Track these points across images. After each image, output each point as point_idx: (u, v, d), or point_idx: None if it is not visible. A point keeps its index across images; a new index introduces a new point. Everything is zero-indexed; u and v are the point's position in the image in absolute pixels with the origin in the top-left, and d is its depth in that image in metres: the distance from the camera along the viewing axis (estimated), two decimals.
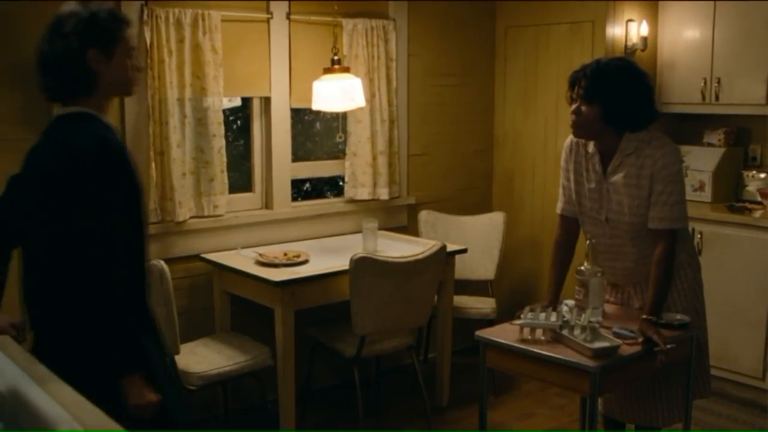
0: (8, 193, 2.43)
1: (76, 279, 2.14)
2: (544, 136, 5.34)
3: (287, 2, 4.52)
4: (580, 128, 3.03)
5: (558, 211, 3.33)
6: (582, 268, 2.99)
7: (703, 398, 3.39)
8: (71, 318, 2.19)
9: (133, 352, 2.22)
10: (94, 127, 2.22)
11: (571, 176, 3.20)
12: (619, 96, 2.95)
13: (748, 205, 4.91)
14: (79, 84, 2.24)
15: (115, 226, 2.18)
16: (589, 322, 2.78)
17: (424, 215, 5.05)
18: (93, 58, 2.22)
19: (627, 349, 2.76)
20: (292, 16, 4.54)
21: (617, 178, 3.03)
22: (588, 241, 3.07)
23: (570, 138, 3.21)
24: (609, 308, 3.19)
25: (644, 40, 5.06)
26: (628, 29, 5.03)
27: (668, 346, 2.77)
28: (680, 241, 3.08)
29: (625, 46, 5.03)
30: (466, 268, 4.86)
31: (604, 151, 3.07)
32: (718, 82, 4.96)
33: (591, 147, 3.11)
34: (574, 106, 3.02)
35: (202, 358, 3.78)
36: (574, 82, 3.04)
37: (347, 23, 4.62)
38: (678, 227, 3.02)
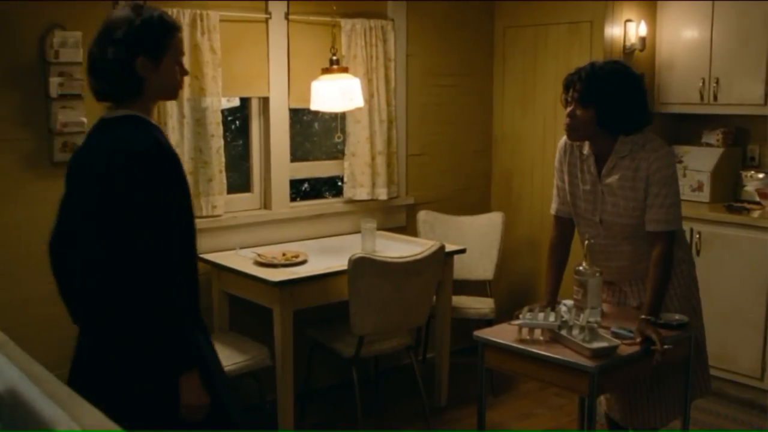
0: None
1: (132, 279, 2.17)
2: (542, 136, 5.34)
3: (286, 2, 4.52)
4: (574, 131, 3.04)
5: (552, 212, 3.33)
6: (580, 268, 3.00)
7: (703, 397, 3.39)
8: (124, 318, 2.22)
9: (188, 350, 2.25)
10: (146, 131, 2.25)
11: (566, 177, 3.21)
12: (614, 100, 2.96)
13: (746, 205, 4.91)
14: (128, 89, 2.28)
15: (169, 227, 2.20)
16: (588, 322, 2.78)
17: (422, 215, 5.05)
18: (142, 65, 2.26)
19: (625, 349, 2.76)
20: (290, 17, 4.54)
21: (612, 180, 3.04)
22: (586, 242, 3.07)
23: (564, 139, 3.22)
24: (607, 308, 3.20)
25: (642, 40, 5.06)
26: (627, 29, 5.03)
27: (666, 346, 2.77)
28: (676, 240, 3.09)
29: (624, 46, 5.03)
30: (465, 268, 4.86)
31: (598, 153, 3.08)
32: (717, 83, 4.96)
33: (586, 149, 3.12)
34: (569, 110, 3.03)
35: None
36: (568, 84, 3.05)
37: (346, 23, 4.63)
38: (674, 229, 3.04)
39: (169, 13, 3.95)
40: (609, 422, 3.44)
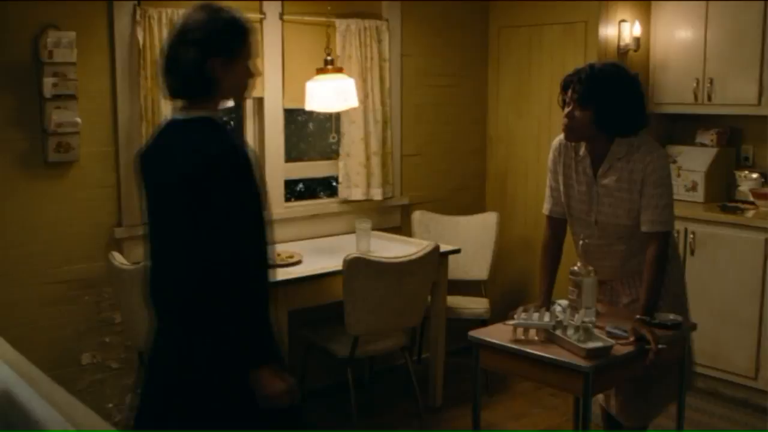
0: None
1: (212, 277, 2.21)
2: (537, 136, 5.34)
3: (280, 3, 4.52)
4: (572, 132, 3.05)
5: (545, 212, 3.34)
6: (575, 268, 3.00)
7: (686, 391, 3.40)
8: (205, 314, 2.26)
9: (265, 344, 2.31)
10: (225, 134, 2.32)
11: (560, 178, 3.22)
12: (613, 101, 2.97)
13: (740, 205, 4.92)
14: (201, 88, 2.31)
15: (248, 227, 2.26)
16: (583, 322, 2.78)
17: (417, 215, 5.05)
18: (214, 66, 2.28)
19: (620, 349, 2.76)
20: (285, 17, 4.53)
21: (608, 181, 3.05)
22: (581, 242, 3.08)
23: (558, 139, 3.23)
24: (602, 307, 3.20)
25: (637, 40, 5.07)
26: (621, 30, 5.03)
27: (660, 345, 2.78)
28: (670, 238, 3.12)
29: (618, 46, 5.04)
30: (460, 268, 4.86)
31: (594, 154, 3.09)
32: (711, 83, 4.97)
33: (582, 149, 3.13)
34: (567, 110, 3.03)
35: None
36: (567, 85, 3.06)
37: (340, 24, 4.62)
38: (669, 229, 3.06)
39: (164, 13, 3.97)
40: (605, 417, 3.45)
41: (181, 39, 2.30)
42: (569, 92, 3.03)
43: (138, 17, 3.93)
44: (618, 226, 3.09)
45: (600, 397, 3.39)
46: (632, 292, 3.20)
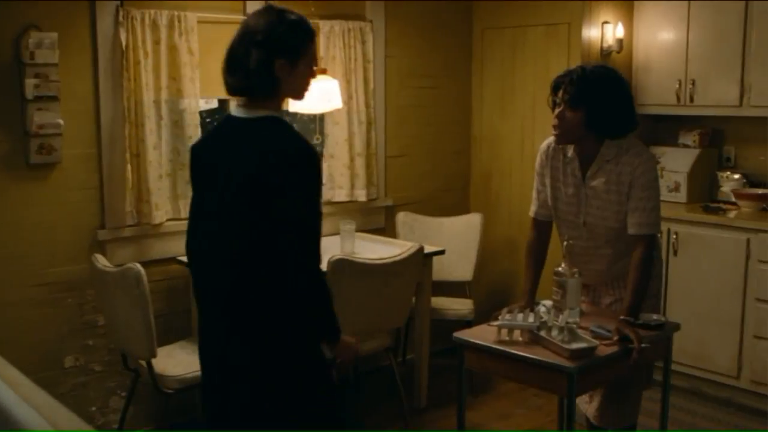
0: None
1: (291, 268, 2.31)
2: (521, 137, 5.36)
3: (263, 4, 4.50)
4: (562, 134, 3.05)
5: (531, 214, 3.35)
6: (559, 269, 3.01)
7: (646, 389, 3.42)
8: (277, 303, 2.35)
9: (336, 321, 2.47)
10: (293, 133, 2.39)
11: (548, 181, 3.22)
12: (604, 103, 2.97)
13: (722, 205, 4.95)
14: (265, 88, 2.37)
15: (318, 219, 2.37)
16: (567, 322, 2.79)
17: (401, 217, 5.06)
18: (279, 67, 2.35)
19: (604, 350, 2.77)
20: None
21: (597, 183, 3.06)
22: (565, 242, 3.08)
23: (546, 143, 3.23)
24: (586, 308, 3.21)
25: (620, 42, 5.09)
26: (604, 31, 5.06)
27: (643, 345, 2.79)
28: (656, 241, 3.13)
29: (601, 48, 5.06)
30: (444, 269, 4.86)
31: (583, 156, 3.09)
32: (693, 84, 5.00)
33: (570, 152, 3.13)
34: (557, 111, 3.03)
35: (180, 361, 3.76)
36: (557, 86, 3.05)
37: (324, 25, 4.62)
38: (656, 232, 3.08)
39: (147, 14, 3.96)
40: (588, 423, 3.46)
41: (248, 40, 2.35)
42: (560, 93, 3.03)
43: (121, 18, 3.91)
44: (606, 228, 3.10)
45: (581, 406, 3.40)
46: (615, 292, 3.23)
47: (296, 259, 2.31)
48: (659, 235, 3.27)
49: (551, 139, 3.17)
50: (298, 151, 2.32)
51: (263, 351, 2.38)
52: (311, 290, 2.36)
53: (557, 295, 3.01)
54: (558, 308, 2.97)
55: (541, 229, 3.32)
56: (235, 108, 2.45)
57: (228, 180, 2.36)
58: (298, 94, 2.48)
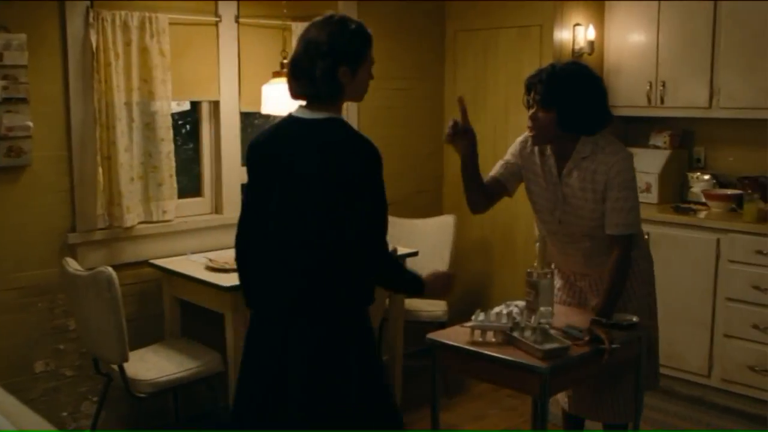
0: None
1: (368, 257, 2.55)
2: (493, 139, 5.37)
3: (236, 5, 4.49)
4: (538, 134, 3.05)
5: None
6: (531, 270, 3.02)
7: (650, 390, 3.44)
8: (351, 291, 2.56)
9: (415, 281, 2.74)
10: (357, 131, 2.56)
11: (522, 172, 3.22)
12: (575, 102, 2.98)
13: (693, 206, 5.00)
14: (329, 94, 2.52)
15: (386, 210, 2.58)
16: (539, 323, 2.80)
17: None
18: (342, 74, 2.49)
19: (577, 350, 2.78)
20: (240, 19, 4.51)
21: (572, 181, 3.06)
22: (537, 243, 3.09)
23: (525, 135, 3.22)
24: (561, 309, 3.23)
25: (591, 44, 5.13)
26: (576, 33, 5.09)
27: (614, 345, 2.80)
28: (634, 241, 3.13)
29: (573, 50, 5.10)
30: (417, 270, 4.83)
31: (559, 153, 3.09)
32: (663, 86, 5.05)
33: (547, 149, 3.13)
34: (531, 112, 3.03)
35: (152, 365, 3.74)
36: (530, 86, 3.05)
37: (296, 27, 4.60)
38: (634, 231, 3.08)
39: (118, 15, 3.93)
40: (565, 419, 3.48)
41: (313, 51, 2.47)
42: (532, 93, 3.03)
43: (91, 19, 3.88)
44: (582, 226, 3.10)
45: (560, 399, 3.41)
46: (600, 293, 3.21)
47: (372, 247, 2.52)
48: (646, 236, 3.28)
49: (527, 133, 3.17)
50: (367, 147, 2.48)
51: (334, 338, 2.52)
52: (388, 271, 2.63)
53: (530, 296, 3.03)
54: (530, 309, 2.99)
55: (491, 186, 3.29)
56: (297, 109, 2.58)
57: (296, 175, 2.48)
58: (359, 97, 2.62)
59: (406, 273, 2.74)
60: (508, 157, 3.30)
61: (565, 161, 3.07)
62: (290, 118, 2.59)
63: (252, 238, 2.63)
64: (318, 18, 2.55)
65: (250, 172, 2.64)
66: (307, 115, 2.54)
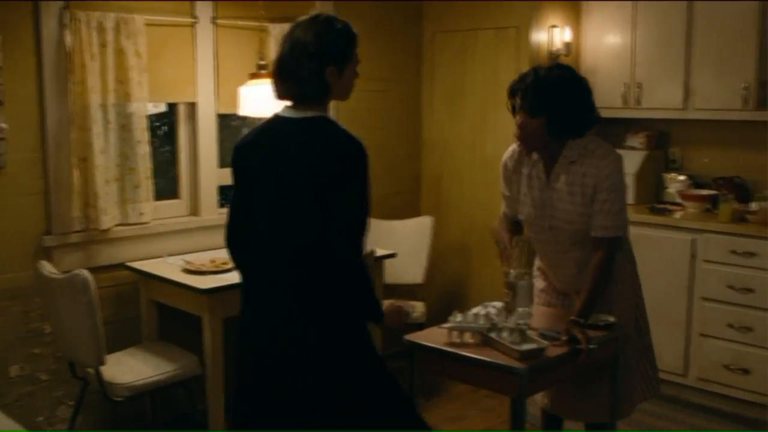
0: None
1: (342, 258, 2.46)
2: (471, 140, 5.39)
3: (212, 6, 4.47)
4: (527, 142, 3.04)
5: (501, 212, 3.35)
6: (510, 271, 3.03)
7: (651, 398, 3.45)
8: (330, 290, 2.49)
9: (378, 305, 2.62)
10: (345, 129, 2.52)
11: (513, 186, 3.22)
12: (564, 107, 2.97)
13: (668, 206, 5.04)
14: (316, 93, 2.51)
15: (368, 210, 2.52)
16: (518, 324, 2.81)
17: None
18: (330, 73, 2.49)
19: (554, 351, 2.79)
20: (217, 21, 4.49)
21: (560, 185, 3.05)
22: (515, 239, 3.10)
23: (510, 149, 3.22)
24: (539, 310, 3.24)
25: (567, 45, 5.15)
26: (552, 35, 5.11)
27: (591, 346, 2.82)
28: (619, 244, 3.13)
29: (549, 51, 5.12)
30: (395, 272, 4.87)
31: (547, 158, 3.08)
32: (639, 87, 5.08)
33: (534, 154, 3.12)
34: (519, 120, 3.01)
35: (129, 369, 3.71)
36: (513, 92, 3.04)
37: (274, 28, 4.60)
38: (620, 234, 3.08)
39: (93, 16, 3.90)
40: (545, 419, 3.48)
41: (300, 51, 2.46)
42: (517, 98, 3.02)
43: (66, 20, 3.85)
44: (572, 232, 3.08)
45: (539, 399, 3.42)
46: None
47: (347, 248, 2.45)
48: (630, 244, 3.31)
49: (515, 144, 3.17)
50: (354, 146, 2.47)
51: (331, 336, 2.50)
52: (358, 279, 2.50)
53: (507, 297, 3.03)
54: (508, 310, 3.00)
55: (512, 221, 3.31)
56: (283, 109, 2.56)
57: (283, 175, 2.46)
58: (345, 96, 2.61)
59: (370, 288, 2.59)
60: (502, 189, 3.31)
61: (553, 165, 3.07)
62: (277, 118, 2.57)
63: (242, 241, 2.61)
64: (303, 18, 2.54)
65: (236, 174, 2.62)
66: (295, 114, 2.52)
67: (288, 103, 2.55)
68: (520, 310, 2.96)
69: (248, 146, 2.60)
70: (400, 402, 2.66)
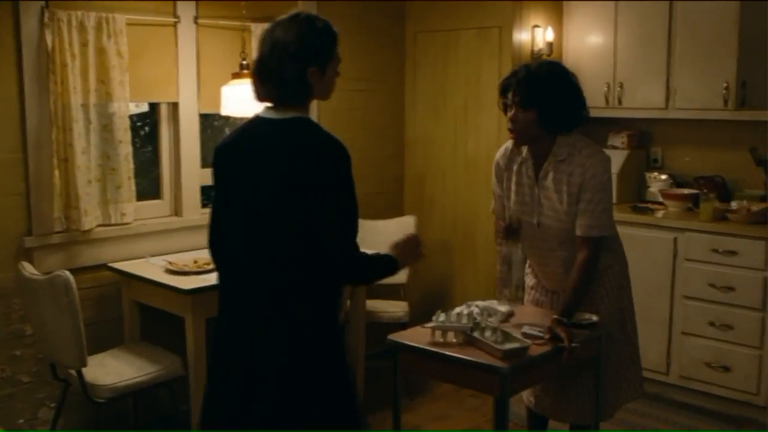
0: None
1: (339, 256, 2.46)
2: (454, 140, 5.40)
3: (194, 5, 4.45)
4: (520, 135, 3.05)
5: (491, 210, 3.36)
6: (502, 245, 3.05)
7: (635, 399, 3.46)
8: (320, 293, 2.49)
9: (390, 266, 2.68)
10: (325, 131, 2.52)
11: (505, 183, 3.23)
12: (555, 100, 3.00)
13: (650, 205, 5.06)
14: (298, 95, 2.48)
15: (356, 209, 2.51)
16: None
17: None
18: (312, 74, 2.45)
19: (536, 350, 2.80)
20: (199, 20, 4.48)
21: (548, 183, 3.07)
22: (504, 222, 3.13)
23: (502, 149, 3.24)
24: (524, 308, 3.24)
25: (550, 45, 5.17)
26: (534, 35, 5.13)
27: (573, 344, 2.83)
28: (607, 243, 3.15)
29: (532, 51, 5.13)
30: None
31: (536, 155, 3.10)
32: (621, 87, 5.10)
33: (524, 151, 3.14)
34: (511, 113, 3.03)
35: (111, 370, 3.69)
36: (505, 89, 3.06)
37: (256, 28, 4.58)
38: (605, 234, 3.09)
39: (74, 15, 3.88)
40: (530, 418, 3.49)
41: (280, 51, 2.41)
42: (509, 95, 3.03)
43: (46, 19, 3.83)
44: (558, 230, 3.10)
45: (525, 398, 3.43)
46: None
47: (343, 249, 2.45)
48: (621, 246, 3.32)
49: (508, 143, 3.18)
50: (335, 147, 2.45)
51: (305, 340, 2.47)
52: (364, 270, 2.58)
53: (502, 273, 3.04)
54: (504, 284, 3.00)
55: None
56: (264, 110, 2.52)
57: (263, 177, 2.42)
58: (327, 95, 2.59)
59: (378, 261, 2.66)
60: (494, 187, 3.32)
61: (542, 163, 3.09)
62: (257, 119, 2.53)
63: (222, 243, 2.58)
64: (283, 17, 2.49)
65: (217, 176, 2.59)
66: (275, 115, 2.48)
67: (268, 104, 2.52)
68: (515, 280, 2.98)
69: (229, 148, 2.57)
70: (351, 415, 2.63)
